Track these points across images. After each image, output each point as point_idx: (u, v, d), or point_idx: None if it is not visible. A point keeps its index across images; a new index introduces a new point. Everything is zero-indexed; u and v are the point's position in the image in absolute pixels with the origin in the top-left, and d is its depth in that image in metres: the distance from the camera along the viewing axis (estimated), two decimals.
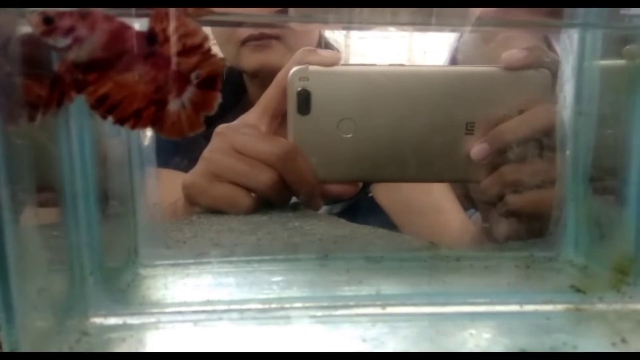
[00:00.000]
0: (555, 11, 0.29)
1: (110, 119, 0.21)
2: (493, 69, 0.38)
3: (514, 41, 0.39)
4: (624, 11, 0.28)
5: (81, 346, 0.23)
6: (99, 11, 0.21)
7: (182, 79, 0.22)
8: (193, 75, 0.21)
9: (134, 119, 0.21)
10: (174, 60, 0.21)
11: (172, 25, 0.21)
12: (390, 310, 0.26)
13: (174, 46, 0.21)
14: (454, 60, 0.50)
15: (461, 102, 0.38)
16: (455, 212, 0.52)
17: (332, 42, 0.60)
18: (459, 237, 0.50)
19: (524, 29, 0.39)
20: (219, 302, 0.27)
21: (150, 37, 0.21)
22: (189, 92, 0.22)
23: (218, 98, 0.22)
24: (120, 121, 0.21)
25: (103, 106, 0.21)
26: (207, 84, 0.22)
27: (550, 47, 0.40)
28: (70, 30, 0.21)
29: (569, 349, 0.23)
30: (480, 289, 0.30)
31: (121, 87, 0.21)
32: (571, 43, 0.32)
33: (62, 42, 0.21)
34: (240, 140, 0.41)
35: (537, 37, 0.42)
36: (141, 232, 0.31)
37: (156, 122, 0.22)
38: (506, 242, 0.38)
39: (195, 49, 0.21)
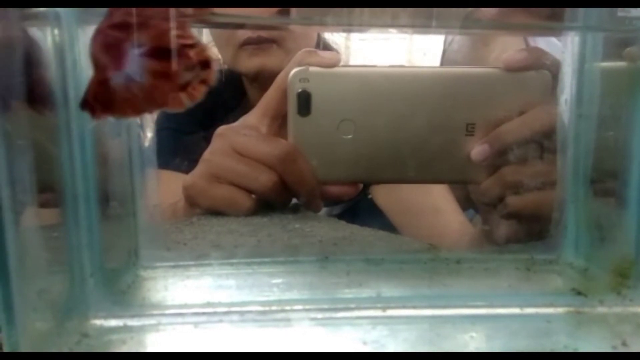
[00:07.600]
0: (555, 14, 0.29)
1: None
2: (493, 70, 0.38)
3: (497, 45, 0.39)
4: (624, 13, 0.28)
5: (81, 348, 0.23)
6: None
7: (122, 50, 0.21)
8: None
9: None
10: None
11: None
12: (390, 312, 0.26)
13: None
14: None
15: (461, 103, 0.38)
16: (455, 214, 0.52)
17: (332, 43, 0.60)
18: (458, 238, 0.50)
19: (522, 32, 0.39)
20: (219, 304, 0.27)
21: None
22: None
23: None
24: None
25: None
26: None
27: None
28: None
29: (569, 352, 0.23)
30: (481, 291, 0.30)
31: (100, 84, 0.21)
32: (571, 45, 0.32)
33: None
34: (241, 142, 0.41)
35: (518, 39, 0.41)
36: (141, 234, 0.31)
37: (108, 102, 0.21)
38: (506, 244, 0.38)
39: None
